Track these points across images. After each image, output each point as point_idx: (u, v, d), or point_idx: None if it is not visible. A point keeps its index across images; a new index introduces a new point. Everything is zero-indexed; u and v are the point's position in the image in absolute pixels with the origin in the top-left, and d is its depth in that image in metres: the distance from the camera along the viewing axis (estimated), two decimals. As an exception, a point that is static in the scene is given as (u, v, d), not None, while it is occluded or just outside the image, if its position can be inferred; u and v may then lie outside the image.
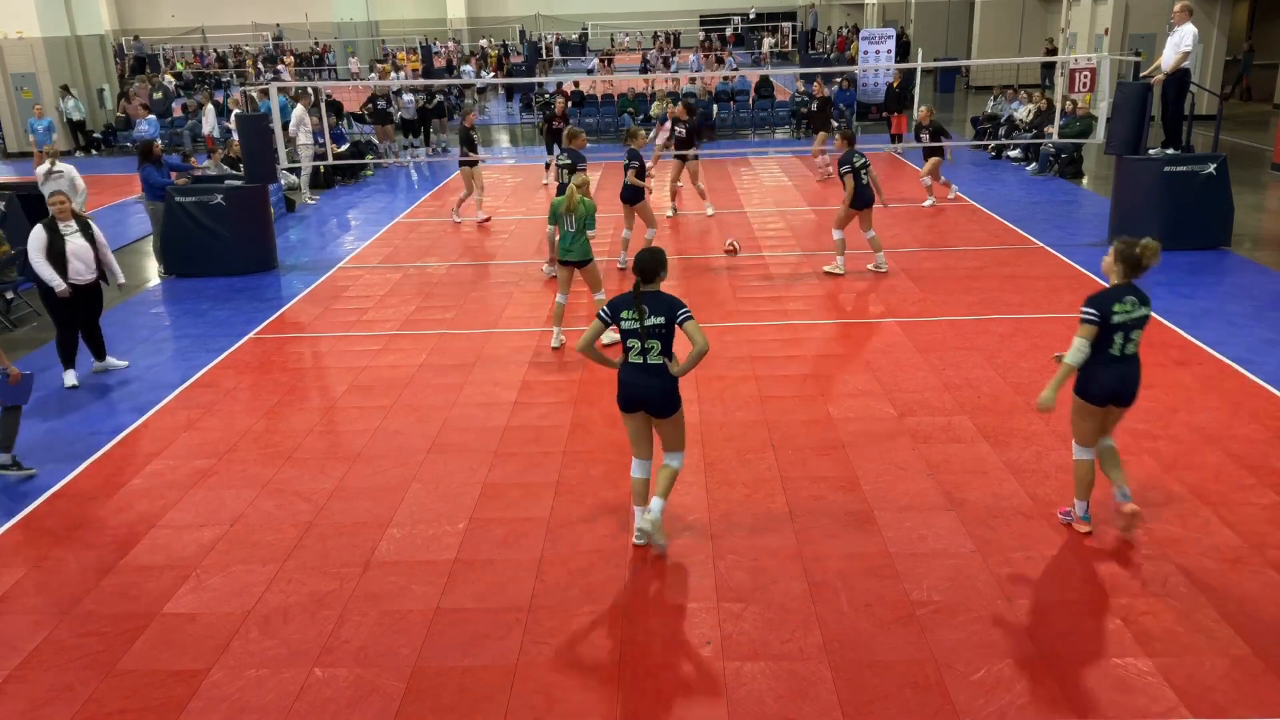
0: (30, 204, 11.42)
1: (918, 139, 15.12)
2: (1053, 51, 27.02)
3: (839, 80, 24.57)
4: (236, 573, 5.53)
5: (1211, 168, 11.42)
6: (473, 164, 14.06)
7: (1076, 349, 5.28)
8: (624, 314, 5.30)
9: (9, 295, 10.52)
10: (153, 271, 12.57)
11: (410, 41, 45.18)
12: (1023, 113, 19.00)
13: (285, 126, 16.79)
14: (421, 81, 24.44)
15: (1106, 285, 5.44)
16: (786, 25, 49.75)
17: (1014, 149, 18.12)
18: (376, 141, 20.60)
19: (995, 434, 6.92)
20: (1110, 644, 4.66)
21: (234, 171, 14.12)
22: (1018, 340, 8.72)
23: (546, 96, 20.80)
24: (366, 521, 6.04)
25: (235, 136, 14.74)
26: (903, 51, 30.84)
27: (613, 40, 55.20)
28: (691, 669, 4.61)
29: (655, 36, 51.48)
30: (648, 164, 11.68)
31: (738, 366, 8.37)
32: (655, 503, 5.50)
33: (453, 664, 4.70)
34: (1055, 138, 15.16)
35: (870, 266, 11.09)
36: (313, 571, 5.51)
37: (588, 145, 11.52)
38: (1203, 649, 4.60)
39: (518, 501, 6.22)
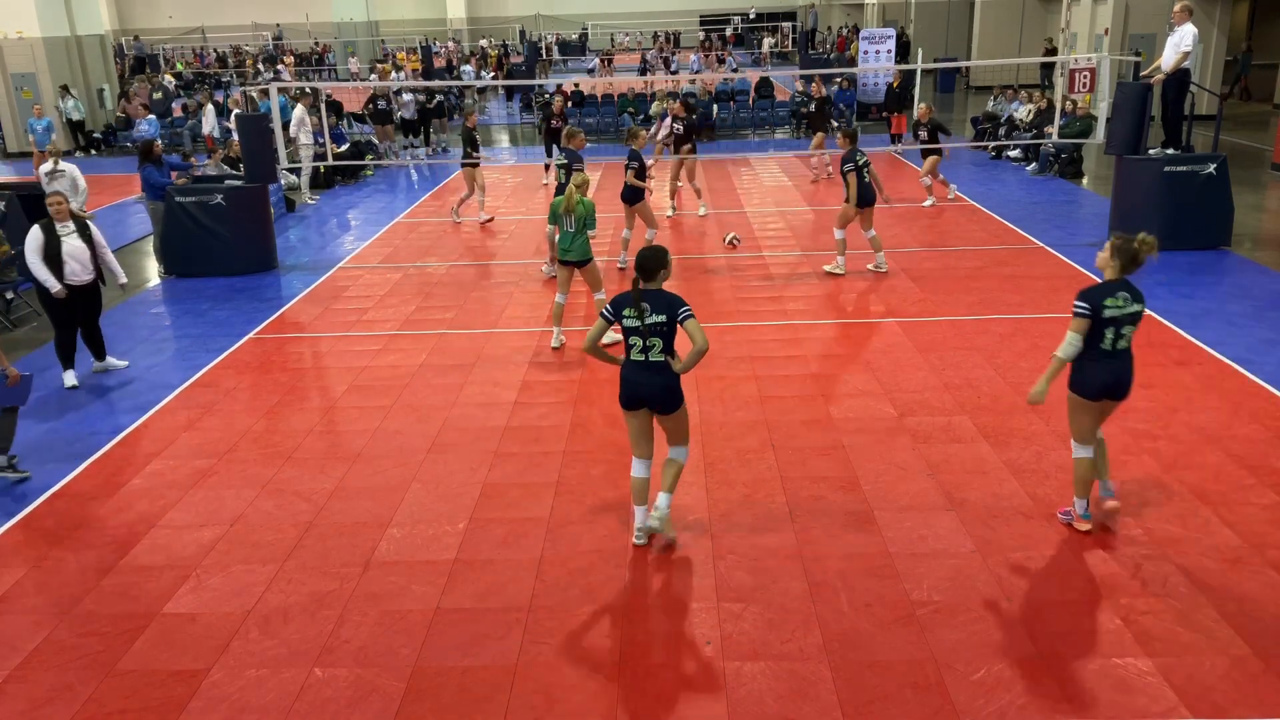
0: (30, 204, 11.42)
1: (915, 137, 15.12)
2: (1052, 51, 27.02)
3: (839, 80, 24.59)
4: (236, 573, 5.53)
5: (1211, 168, 11.43)
6: (475, 165, 14.05)
7: (1068, 343, 5.33)
8: (626, 312, 5.32)
9: (9, 295, 10.52)
10: (153, 271, 12.58)
11: (410, 41, 45.19)
12: (1023, 113, 19.00)
13: (285, 126, 16.79)
14: (422, 84, 24.43)
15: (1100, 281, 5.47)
16: (786, 25, 49.76)
17: (1014, 149, 18.12)
18: (376, 141, 20.61)
19: (995, 434, 6.92)
20: (1110, 644, 4.66)
21: (234, 171, 14.12)
22: (1018, 340, 8.72)
23: (546, 97, 20.80)
24: (366, 521, 6.04)
25: (235, 136, 14.74)
26: (903, 51, 30.86)
27: (613, 40, 55.21)
28: (691, 669, 4.61)
29: (655, 36, 51.47)
30: (649, 163, 11.68)
31: (738, 366, 8.37)
32: (662, 498, 5.55)
33: (453, 664, 4.70)
34: (1055, 138, 15.16)
35: (870, 266, 11.10)
36: (313, 571, 5.51)
37: (587, 145, 11.52)
38: (1203, 649, 4.60)
39: (518, 501, 6.22)
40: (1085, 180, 16.39)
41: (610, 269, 11.29)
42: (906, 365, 8.28)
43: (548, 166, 17.10)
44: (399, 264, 12.41)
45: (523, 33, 50.47)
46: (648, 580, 5.34)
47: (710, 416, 7.35)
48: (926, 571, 5.29)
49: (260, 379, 8.57)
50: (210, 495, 6.46)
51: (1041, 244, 12.10)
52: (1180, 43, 11.78)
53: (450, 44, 45.89)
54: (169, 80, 32.15)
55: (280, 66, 37.81)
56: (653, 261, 5.37)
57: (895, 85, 19.92)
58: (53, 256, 8.10)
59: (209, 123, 20.26)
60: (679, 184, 15.15)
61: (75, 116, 23.14)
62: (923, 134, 14.68)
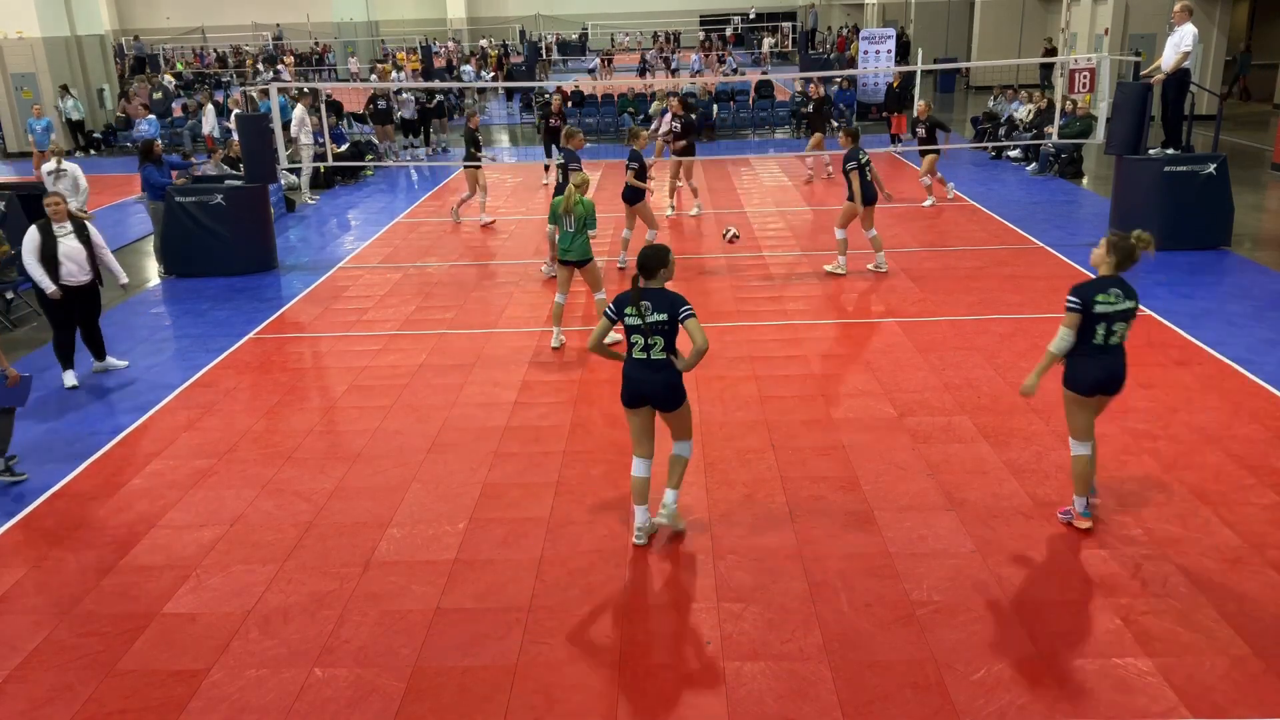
0: (30, 204, 11.42)
1: (913, 134, 15.12)
2: (1051, 51, 27.02)
3: (839, 80, 24.58)
4: (236, 573, 5.53)
5: (1211, 168, 11.43)
6: (477, 166, 14.05)
7: (1060, 337, 5.39)
8: (627, 310, 5.34)
9: (9, 295, 10.53)
10: (153, 271, 12.58)
11: (410, 41, 45.19)
12: (1023, 113, 19.01)
13: (286, 126, 16.78)
14: (422, 85, 24.42)
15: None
16: (786, 25, 49.77)
17: (1014, 149, 18.12)
18: (376, 142, 20.61)
19: (995, 434, 6.92)
20: (1110, 644, 4.66)
21: (234, 171, 14.13)
22: (1018, 340, 8.72)
23: (546, 97, 20.79)
24: (366, 521, 6.04)
25: (235, 136, 14.75)
26: (903, 51, 30.88)
27: (613, 40, 55.20)
28: (691, 669, 4.61)
29: (655, 37, 51.47)
30: (649, 162, 11.68)
31: (738, 366, 8.37)
32: (669, 494, 5.64)
33: (453, 664, 4.70)
34: (1055, 138, 15.17)
35: (870, 266, 11.09)
36: (313, 571, 5.51)
37: (586, 145, 11.52)
38: (1203, 649, 4.60)
39: (518, 501, 6.22)
40: (1085, 180, 16.39)
41: (610, 269, 11.29)
42: (906, 365, 8.28)
43: (547, 167, 17.10)
44: (399, 264, 12.41)
45: (523, 33, 50.48)
46: (648, 580, 5.34)
47: (710, 416, 7.35)
48: (926, 571, 5.29)
49: (260, 379, 8.57)
50: (210, 495, 6.46)
51: (1041, 244, 12.10)
52: (1180, 43, 11.78)
53: (450, 44, 45.89)
54: (169, 80, 32.16)
55: (280, 66, 37.82)
56: (653, 260, 5.39)
57: (895, 85, 19.92)
58: (49, 257, 8.10)
59: (209, 123, 20.26)
60: (678, 183, 15.15)
61: (75, 116, 23.14)
62: (921, 131, 14.68)
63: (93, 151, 23.59)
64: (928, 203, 14.57)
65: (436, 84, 25.29)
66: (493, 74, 35.08)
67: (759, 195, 16.14)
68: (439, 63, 36.74)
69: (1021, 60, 26.38)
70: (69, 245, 8.19)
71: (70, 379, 8.46)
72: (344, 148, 18.76)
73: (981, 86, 29.60)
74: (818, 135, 16.95)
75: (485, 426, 7.36)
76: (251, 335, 9.76)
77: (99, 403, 8.17)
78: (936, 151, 14.65)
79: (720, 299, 10.36)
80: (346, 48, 41.35)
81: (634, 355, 5.42)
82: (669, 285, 5.48)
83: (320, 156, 17.22)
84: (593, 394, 7.93)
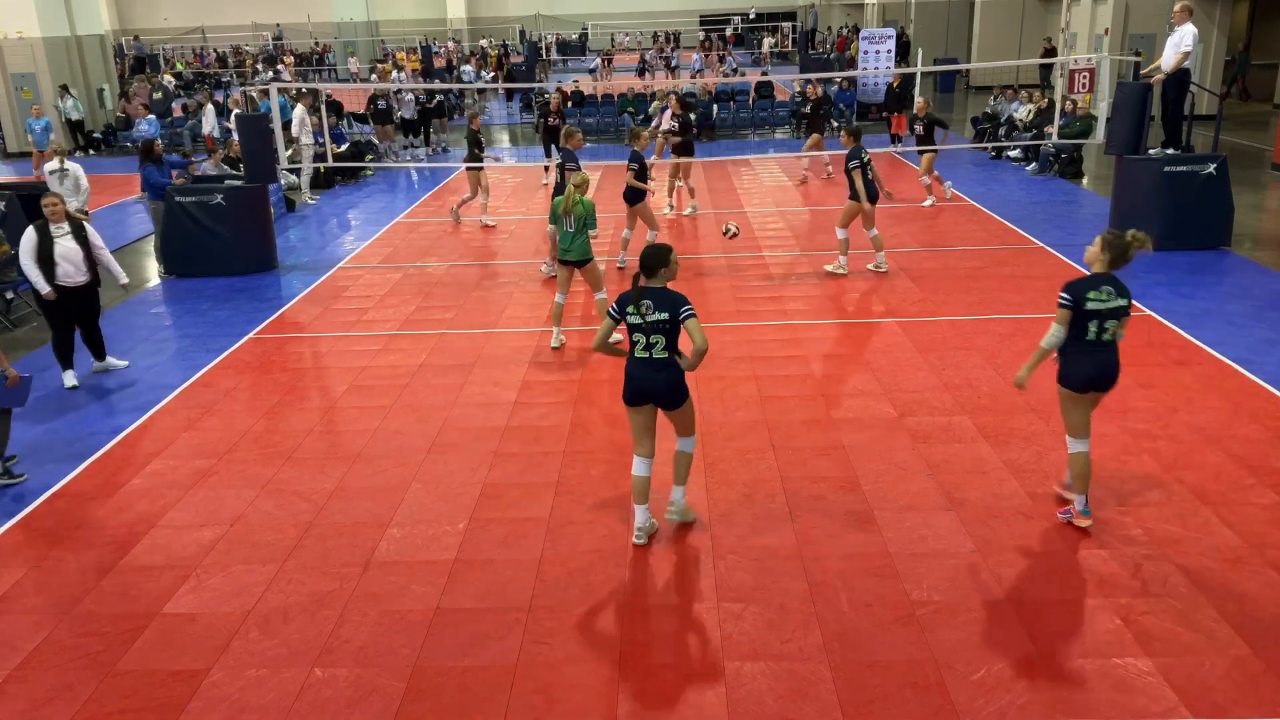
0: (30, 204, 11.42)
1: (912, 131, 15.12)
2: (1050, 51, 27.03)
3: (839, 80, 24.57)
4: (236, 573, 5.53)
5: (1211, 168, 11.43)
6: (479, 167, 14.05)
7: (1051, 333, 5.47)
8: (629, 309, 5.37)
9: (9, 295, 10.53)
10: (153, 271, 12.58)
11: (410, 41, 45.19)
12: (1023, 113, 19.00)
13: (286, 126, 16.78)
14: (422, 86, 24.42)
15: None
16: (786, 25, 49.76)
17: (1014, 149, 18.12)
18: (376, 142, 20.61)
19: (995, 434, 6.92)
20: (1110, 644, 4.66)
21: (234, 171, 14.13)
22: (1018, 340, 8.72)
23: (546, 97, 20.79)
24: (366, 521, 6.04)
25: (235, 136, 14.74)
26: (903, 51, 30.88)
27: (613, 40, 55.19)
28: (691, 669, 4.61)
29: (655, 37, 51.47)
30: (650, 162, 11.67)
31: (738, 366, 8.37)
32: (676, 491, 5.75)
33: (453, 664, 4.70)
34: (1055, 138, 15.17)
35: (870, 266, 11.09)
36: (313, 571, 5.51)
37: (586, 145, 11.52)
38: (1203, 649, 4.60)
39: (518, 501, 6.22)
40: (1085, 180, 16.39)
41: (610, 269, 11.29)
42: (906, 365, 8.28)
43: (547, 167, 17.10)
44: (399, 264, 12.41)
45: (523, 33, 50.47)
46: (648, 580, 5.34)
47: (710, 416, 7.35)
48: (926, 571, 5.29)
49: (260, 379, 8.57)
50: (210, 495, 6.45)
51: (1041, 244, 12.10)
52: (1180, 43, 11.78)
53: (450, 44, 45.88)
54: (169, 80, 32.15)
55: (280, 66, 37.82)
56: (655, 259, 5.42)
57: (895, 85, 19.91)
58: (45, 258, 8.11)
59: (209, 123, 20.27)
60: (677, 182, 15.15)
61: (74, 116, 23.14)
62: (919, 129, 14.68)
63: (91, 151, 23.58)
64: (928, 203, 14.57)
65: (437, 84, 25.28)
66: (493, 74, 35.08)
67: (759, 195, 16.14)
68: (439, 63, 36.72)
69: (1021, 60, 26.37)
70: (65, 246, 8.18)
71: (70, 379, 8.46)
72: (344, 148, 18.76)
73: (981, 86, 29.61)
74: (815, 136, 16.91)
75: (485, 426, 7.36)
76: (251, 335, 9.76)
77: (99, 403, 8.17)
78: (934, 150, 14.65)
79: (720, 299, 10.36)
80: (346, 48, 41.35)
81: (636, 354, 5.45)
82: (671, 285, 5.49)
83: (320, 156, 17.22)
84: (593, 394, 7.93)
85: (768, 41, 46.08)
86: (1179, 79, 12.01)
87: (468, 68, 34.22)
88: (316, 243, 13.93)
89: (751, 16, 53.99)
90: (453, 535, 5.83)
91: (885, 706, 4.31)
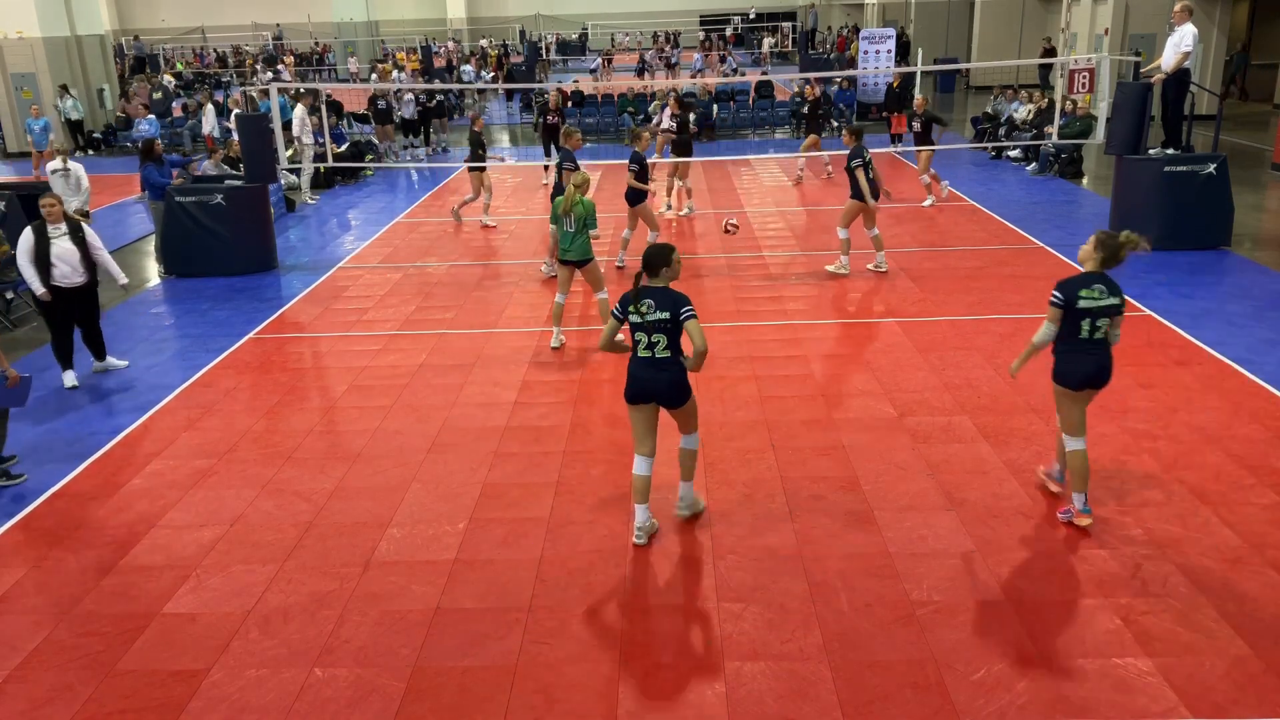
0: (30, 204, 11.42)
1: (909, 128, 15.13)
2: (1049, 50, 27.03)
3: (839, 80, 24.56)
4: (236, 573, 5.53)
5: (1211, 168, 11.43)
6: (482, 168, 14.04)
7: (1042, 330, 5.56)
8: (631, 308, 5.40)
9: (9, 295, 10.53)
10: (153, 271, 12.58)
11: (410, 41, 45.20)
12: (1023, 113, 19.00)
13: (286, 126, 16.79)
14: (422, 86, 24.42)
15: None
16: (786, 25, 49.75)
17: (1014, 149, 18.12)
18: (376, 142, 20.60)
19: (995, 434, 6.92)
20: (1110, 644, 4.66)
21: (234, 171, 14.13)
22: (1018, 340, 8.71)
23: (545, 98, 20.79)
24: (366, 521, 6.04)
25: (235, 136, 14.74)
26: (903, 51, 30.86)
27: (613, 40, 55.19)
28: (691, 669, 4.61)
29: (655, 37, 51.47)
30: (650, 162, 11.67)
31: (738, 366, 8.37)
32: (683, 487, 5.83)
33: (453, 664, 4.70)
34: (1055, 138, 15.17)
35: (870, 266, 11.09)
36: (313, 571, 5.51)
37: (586, 145, 11.52)
38: (1203, 649, 4.60)
39: (518, 501, 6.22)
40: (1085, 180, 16.39)
41: (610, 268, 11.29)
42: (906, 365, 8.28)
43: (547, 167, 17.09)
44: (399, 264, 12.41)
45: (523, 33, 50.47)
46: (648, 580, 5.34)
47: (710, 416, 7.35)
48: (926, 571, 5.29)
49: (260, 379, 8.56)
50: (210, 495, 6.45)
51: (1041, 244, 12.10)
52: (1180, 43, 11.77)
53: (450, 44, 45.89)
54: (169, 80, 32.15)
55: (280, 66, 37.82)
56: (657, 259, 5.45)
57: (895, 85, 19.91)
58: (41, 258, 8.11)
59: (209, 123, 20.27)
60: (678, 182, 15.14)
61: (74, 116, 23.14)
62: (916, 126, 14.68)
63: (90, 151, 23.58)
64: (927, 202, 14.57)
65: (436, 84, 25.27)
66: (493, 74, 35.08)
67: (759, 195, 16.13)
68: (439, 63, 36.71)
69: (1021, 60, 26.37)
70: (62, 247, 8.18)
71: (70, 379, 8.46)
72: (344, 148, 18.76)
73: (981, 86, 29.60)
74: (813, 137, 16.87)
75: (485, 426, 7.36)
76: (251, 335, 9.76)
77: (99, 403, 8.17)
78: (932, 148, 14.65)
79: (720, 299, 10.36)
80: (346, 48, 41.35)
81: (639, 353, 5.48)
82: (672, 285, 5.51)
83: (320, 156, 17.22)
84: (593, 394, 7.93)
85: (768, 41, 46.08)
86: (1179, 79, 12.01)
87: (468, 68, 34.21)
88: (316, 243, 13.93)
89: (751, 16, 53.98)
90: (453, 535, 5.83)
91: (885, 706, 4.31)
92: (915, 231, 13.03)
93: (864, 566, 5.36)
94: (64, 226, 8.23)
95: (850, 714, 4.27)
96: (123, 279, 8.70)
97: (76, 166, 12.27)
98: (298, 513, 6.17)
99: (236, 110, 17.07)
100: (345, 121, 22.21)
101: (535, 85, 24.74)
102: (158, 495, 6.47)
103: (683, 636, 4.86)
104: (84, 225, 8.48)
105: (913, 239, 12.62)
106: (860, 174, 10.47)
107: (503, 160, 18.06)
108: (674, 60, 38.22)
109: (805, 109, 18.39)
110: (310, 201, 16.90)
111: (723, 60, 35.93)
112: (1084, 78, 14.95)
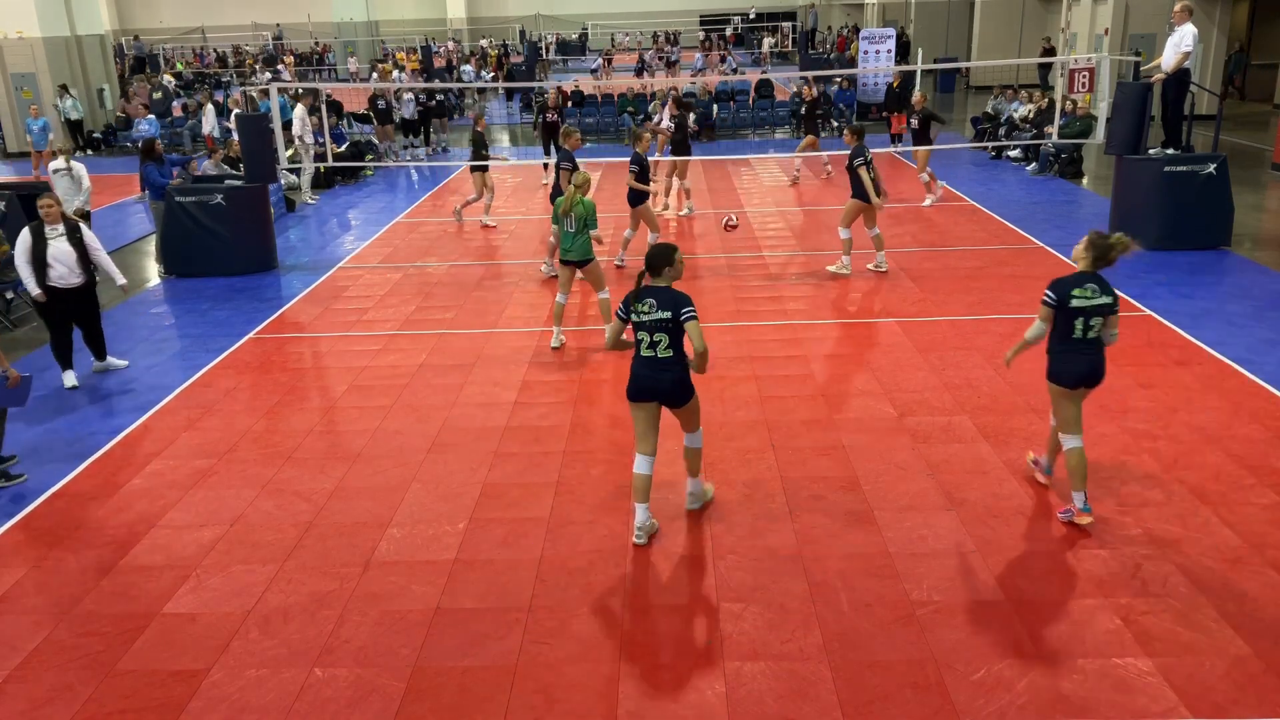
0: (30, 204, 11.42)
1: (908, 125, 15.13)
2: (1049, 50, 27.03)
3: (839, 80, 24.56)
4: (236, 573, 5.53)
5: (1211, 168, 11.43)
6: (484, 169, 14.03)
7: (1034, 327, 5.68)
8: (633, 307, 5.43)
9: (9, 295, 10.53)
10: (153, 271, 12.58)
11: (410, 41, 45.19)
12: (1023, 113, 19.00)
13: (286, 126, 16.78)
14: (421, 85, 24.42)
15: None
16: (786, 25, 49.74)
17: (1014, 149, 18.12)
18: (376, 141, 20.60)
19: (995, 434, 6.92)
20: (1110, 644, 4.66)
21: (234, 171, 14.12)
22: (1017, 340, 8.69)
23: (544, 98, 20.80)
24: (366, 521, 6.04)
25: (235, 136, 14.74)
26: (903, 51, 30.86)
27: (613, 40, 55.18)
28: (691, 669, 4.61)
29: (655, 37, 51.46)
30: (650, 161, 11.67)
31: (738, 366, 8.37)
32: (691, 483, 5.95)
33: (453, 664, 4.70)
34: (1055, 138, 15.16)
35: (870, 266, 11.09)
36: (313, 571, 5.51)
37: (586, 145, 11.53)
38: (1203, 649, 4.60)
39: (518, 501, 6.22)
40: (1085, 180, 16.39)
41: (610, 268, 11.29)
42: (906, 365, 8.28)
43: (546, 166, 17.09)
44: (399, 264, 12.41)
45: (523, 33, 50.46)
46: (648, 580, 5.34)
47: (710, 416, 7.34)
48: (926, 571, 5.29)
49: (260, 379, 8.56)
50: (210, 495, 6.45)
51: (1041, 244, 12.10)
52: (1180, 43, 11.77)
53: (450, 44, 45.88)
54: (169, 80, 32.14)
55: (280, 66, 37.81)
56: (659, 258, 5.48)
57: (895, 85, 19.91)
58: (39, 259, 8.11)
59: (209, 122, 20.27)
60: (679, 182, 15.15)
61: (74, 116, 23.13)
62: (914, 122, 14.68)
63: (89, 151, 23.57)
64: (927, 202, 14.57)
65: (436, 84, 25.27)
66: (493, 74, 35.08)
67: (759, 195, 16.13)
68: (439, 63, 36.72)
69: (1021, 60, 26.37)
70: (59, 247, 8.18)
71: (70, 379, 8.45)
72: (344, 148, 18.76)
73: (981, 86, 29.58)
74: (810, 138, 16.86)
75: (485, 426, 7.36)
76: (251, 335, 9.76)
77: (99, 403, 8.17)
78: (930, 146, 14.64)
79: (720, 299, 10.36)
80: (346, 48, 41.35)
81: (641, 353, 5.50)
82: (676, 285, 5.53)
83: (320, 156, 17.22)
84: (593, 394, 7.93)
85: (768, 41, 46.06)
86: (1179, 79, 12.01)
87: (468, 68, 34.21)
88: (316, 243, 13.93)
89: (751, 16, 53.97)
90: (453, 535, 5.83)
91: (885, 706, 4.31)
92: (915, 231, 13.03)
93: (864, 566, 5.36)
94: (62, 227, 8.23)
95: (850, 714, 4.27)
96: (121, 280, 8.69)
97: (78, 166, 12.28)
98: (298, 513, 6.17)
99: (236, 110, 17.06)
100: (345, 121, 22.20)
101: (535, 85, 24.71)
102: (158, 495, 6.47)
103: (683, 636, 4.86)
104: (82, 226, 8.47)
105: (913, 239, 12.62)
106: (863, 173, 10.47)
107: (505, 160, 18.06)
108: (674, 58, 38.21)
109: (803, 110, 18.38)
110: (310, 201, 16.90)
111: (722, 60, 35.94)
112: (1084, 77, 14.95)
